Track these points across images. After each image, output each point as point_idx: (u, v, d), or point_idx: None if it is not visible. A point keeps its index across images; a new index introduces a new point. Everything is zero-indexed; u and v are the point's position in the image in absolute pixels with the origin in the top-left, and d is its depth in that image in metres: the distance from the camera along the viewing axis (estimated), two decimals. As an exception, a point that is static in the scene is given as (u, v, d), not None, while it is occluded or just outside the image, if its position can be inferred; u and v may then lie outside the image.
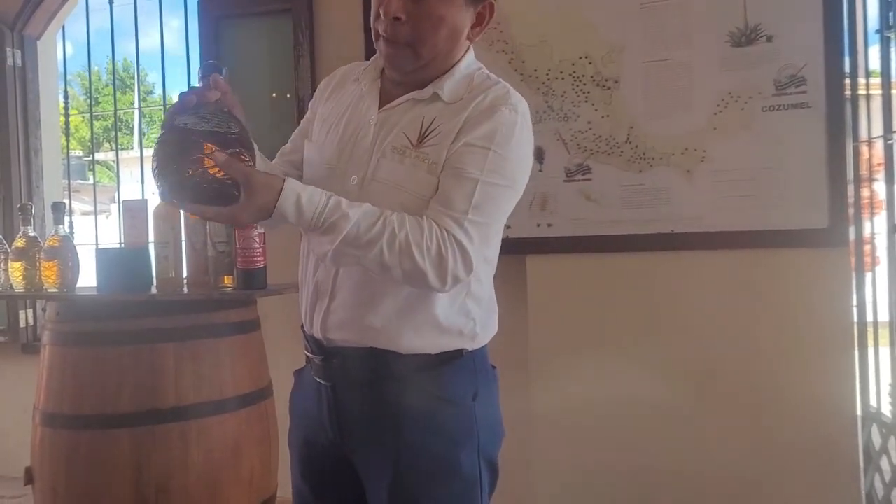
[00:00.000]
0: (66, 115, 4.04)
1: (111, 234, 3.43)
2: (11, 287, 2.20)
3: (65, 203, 2.29)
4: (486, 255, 1.24)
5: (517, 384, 2.28)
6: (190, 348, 1.92)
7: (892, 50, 2.33)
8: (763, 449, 2.25)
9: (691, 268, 2.32)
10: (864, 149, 2.41)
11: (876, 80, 2.44)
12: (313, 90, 1.64)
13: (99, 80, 15.57)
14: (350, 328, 1.26)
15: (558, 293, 2.44)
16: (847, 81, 2.25)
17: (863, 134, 2.38)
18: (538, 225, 2.44)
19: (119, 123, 4.12)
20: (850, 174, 2.27)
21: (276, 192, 1.11)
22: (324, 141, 1.33)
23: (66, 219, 2.41)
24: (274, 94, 2.95)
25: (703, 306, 2.30)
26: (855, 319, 2.32)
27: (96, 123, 3.96)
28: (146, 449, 1.86)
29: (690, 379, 2.29)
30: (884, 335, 2.39)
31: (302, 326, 1.36)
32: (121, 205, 2.40)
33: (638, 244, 2.34)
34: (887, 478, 2.28)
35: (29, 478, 2.01)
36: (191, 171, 1.08)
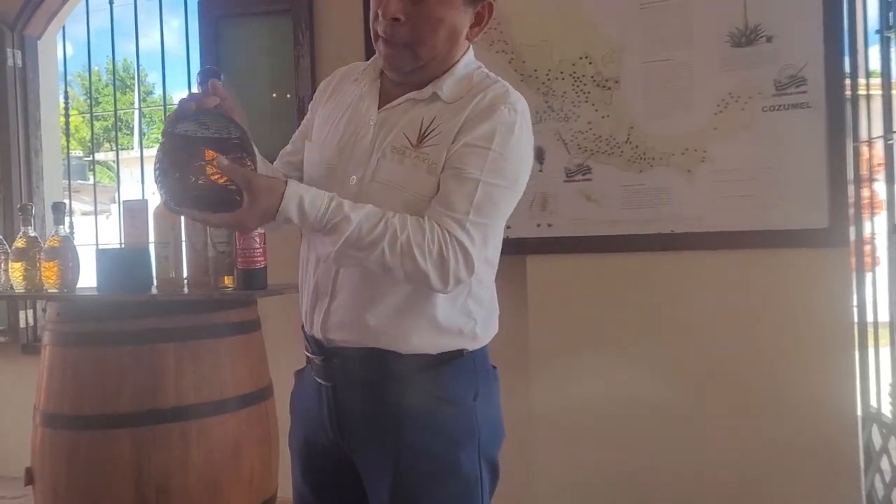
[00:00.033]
0: (67, 116, 4.05)
1: (111, 234, 3.43)
2: (12, 287, 2.20)
3: (65, 203, 2.29)
4: (486, 255, 1.24)
5: (517, 384, 2.28)
6: (190, 348, 1.92)
7: (893, 50, 2.33)
8: (763, 449, 2.25)
9: (691, 268, 2.32)
10: (865, 149, 2.41)
11: (876, 81, 2.44)
12: (313, 90, 1.64)
13: (99, 80, 15.57)
14: (350, 328, 1.26)
15: (558, 293, 2.44)
16: (847, 81, 2.26)
17: (863, 134, 2.38)
18: (538, 225, 2.44)
19: (119, 124, 4.12)
20: (851, 174, 2.27)
21: (280, 195, 1.12)
22: (324, 141, 1.33)
23: (67, 219, 2.41)
24: (274, 95, 2.95)
25: (703, 306, 2.30)
26: (855, 319, 2.32)
27: (96, 124, 3.96)
28: (146, 449, 1.86)
29: (691, 379, 2.29)
30: (884, 335, 2.39)
31: (302, 327, 1.37)
32: (121, 205, 2.40)
33: (638, 244, 2.34)
34: (888, 478, 2.28)
35: (29, 478, 2.01)
36: (193, 179, 1.08)
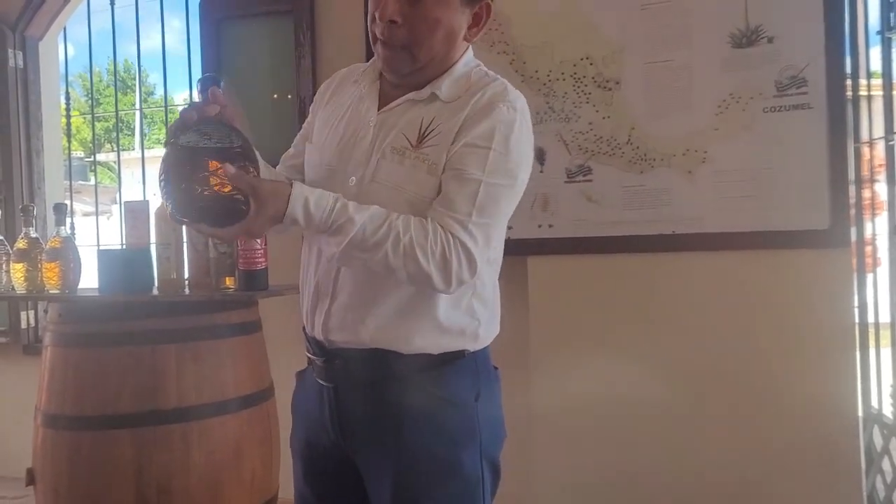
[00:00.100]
0: (68, 117, 4.05)
1: (113, 235, 3.43)
2: (13, 288, 2.21)
3: (66, 204, 2.29)
4: (488, 255, 1.24)
5: (518, 385, 2.28)
6: (191, 349, 1.92)
7: (893, 51, 2.33)
8: (764, 450, 2.25)
9: (692, 269, 2.32)
10: (866, 150, 2.41)
11: (877, 81, 2.44)
12: (314, 91, 1.64)
13: (100, 81, 15.58)
14: (351, 329, 1.26)
15: (559, 294, 2.44)
16: (848, 82, 2.26)
17: (864, 135, 2.39)
18: (539, 226, 2.44)
19: (120, 124, 4.12)
20: (852, 175, 2.27)
21: (286, 199, 1.12)
22: (324, 143, 1.34)
23: (68, 220, 2.41)
24: (275, 95, 2.95)
25: (704, 307, 2.30)
26: (856, 320, 2.32)
27: (98, 124, 3.96)
28: (147, 450, 1.86)
29: (691, 380, 2.29)
30: (885, 336, 2.39)
31: (303, 328, 1.37)
32: (122, 206, 2.40)
33: (639, 245, 2.34)
34: (889, 479, 2.28)
35: (30, 478, 2.01)
36: (198, 191, 1.09)
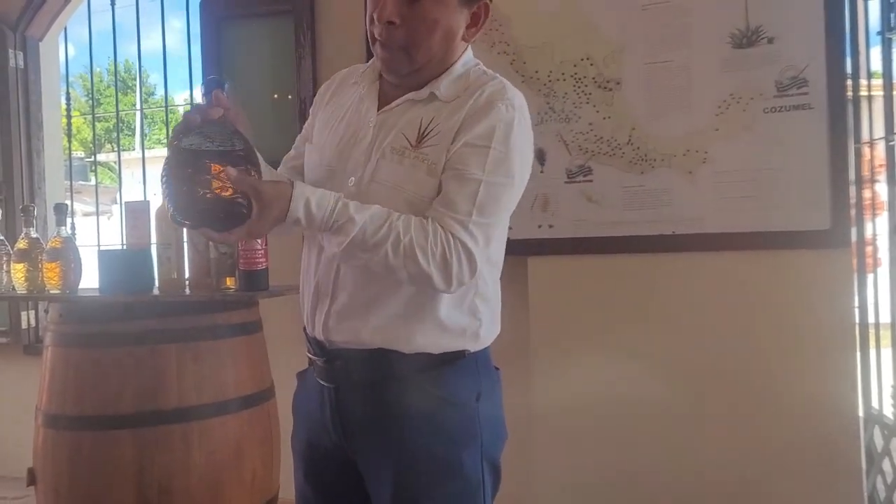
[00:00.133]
0: (69, 117, 4.05)
1: (113, 235, 3.43)
2: (14, 288, 2.21)
3: (67, 204, 2.29)
4: (489, 254, 1.24)
5: (518, 385, 2.28)
6: (192, 349, 1.92)
7: (894, 51, 2.33)
8: (764, 450, 2.25)
9: (693, 269, 2.32)
10: (866, 150, 2.41)
11: (877, 82, 2.45)
12: (315, 91, 1.65)
13: (101, 81, 15.59)
14: (351, 330, 1.26)
15: (559, 294, 2.44)
16: (849, 83, 2.26)
17: (864, 135, 2.39)
18: (539, 226, 2.44)
19: (121, 125, 4.12)
20: (852, 175, 2.27)
21: (287, 200, 1.13)
22: (324, 144, 1.34)
23: (68, 220, 2.41)
24: (275, 95, 2.95)
25: (704, 308, 2.30)
26: (857, 321, 2.32)
27: (98, 125, 3.97)
28: (148, 450, 1.86)
29: (692, 380, 2.29)
30: (885, 336, 2.39)
31: (304, 328, 1.37)
32: (123, 206, 2.40)
33: (639, 245, 2.34)
34: (889, 479, 2.28)
35: (31, 479, 2.01)
36: (200, 193, 1.10)
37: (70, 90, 4.13)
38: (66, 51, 3.66)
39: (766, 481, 2.24)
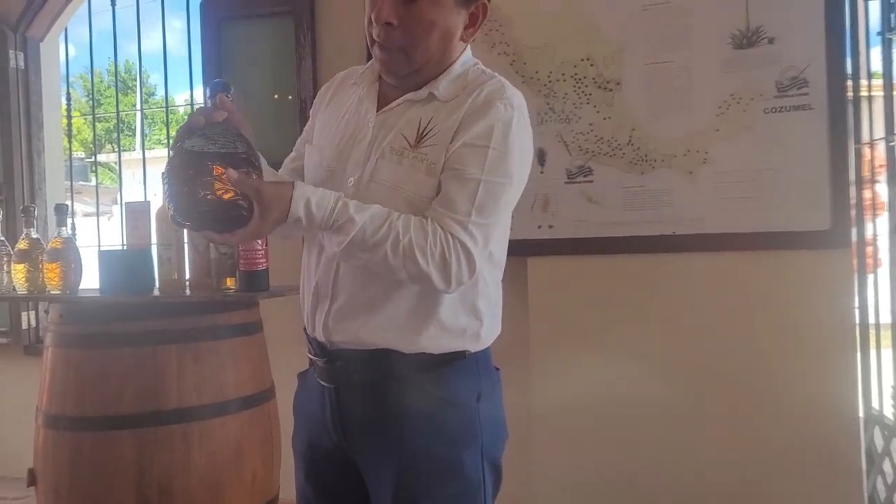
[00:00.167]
0: (69, 117, 4.05)
1: (114, 235, 3.43)
2: (14, 289, 2.21)
3: (67, 205, 2.29)
4: (490, 254, 1.25)
5: (518, 385, 2.28)
6: (192, 350, 1.92)
7: (894, 51, 2.33)
8: (765, 451, 2.25)
9: (693, 269, 2.32)
10: (866, 150, 2.41)
11: (878, 82, 2.45)
12: (315, 92, 1.65)
13: (101, 81, 15.60)
14: (351, 330, 1.26)
15: (559, 295, 2.44)
16: (849, 83, 2.26)
17: (864, 136, 2.39)
18: (539, 227, 2.44)
19: (121, 125, 4.12)
20: (852, 176, 2.27)
21: (288, 200, 1.14)
22: (324, 144, 1.35)
23: (69, 220, 2.41)
24: (276, 96, 2.95)
25: (704, 308, 2.30)
26: (857, 321, 2.32)
27: (98, 125, 3.97)
28: (149, 451, 1.86)
29: (692, 381, 2.29)
30: (886, 337, 2.39)
31: (304, 329, 1.37)
32: (123, 206, 2.40)
33: (639, 246, 2.34)
34: (890, 480, 2.28)
35: (32, 479, 2.01)
36: (201, 194, 1.10)
37: (70, 91, 4.14)
38: (66, 51, 3.66)
39: (767, 482, 2.24)
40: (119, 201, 3.66)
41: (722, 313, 2.28)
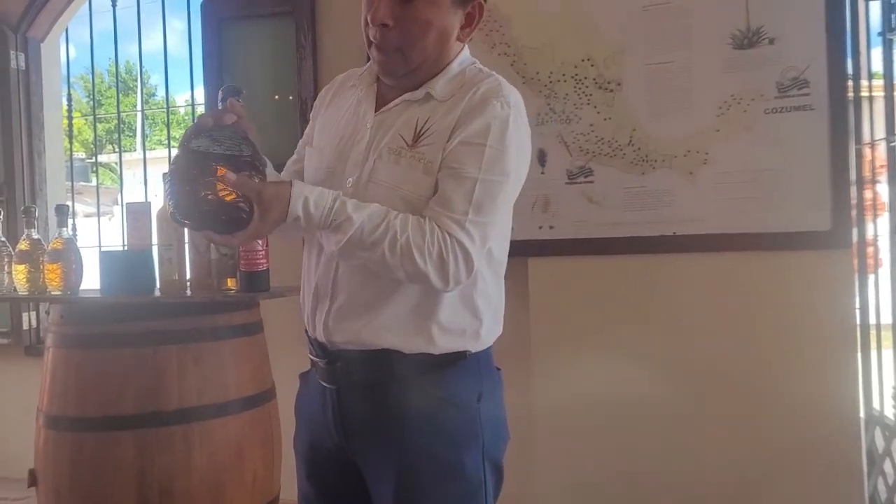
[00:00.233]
0: (70, 118, 4.05)
1: (114, 236, 3.44)
2: (15, 289, 2.21)
3: (68, 205, 2.29)
4: (489, 253, 1.25)
5: (518, 385, 2.28)
6: (193, 351, 1.92)
7: (895, 52, 2.33)
8: (765, 451, 2.24)
9: (694, 270, 2.32)
10: (867, 151, 2.41)
11: (878, 83, 2.44)
12: (315, 92, 1.65)
13: (102, 82, 15.61)
14: (351, 330, 1.26)
15: (560, 295, 2.44)
16: (850, 84, 2.25)
17: (865, 136, 2.39)
18: (540, 227, 2.44)
19: (122, 125, 4.12)
20: (853, 176, 2.27)
21: (287, 200, 1.14)
22: (323, 145, 1.35)
23: (70, 221, 2.41)
24: (276, 96, 2.95)
25: (705, 308, 2.30)
26: (858, 322, 2.32)
27: (99, 126, 3.97)
28: (149, 451, 1.86)
29: (692, 381, 2.29)
30: (887, 337, 2.39)
31: (305, 329, 1.37)
32: (124, 207, 2.40)
33: (640, 246, 2.34)
34: (890, 481, 2.28)
35: (32, 480, 2.01)
36: (202, 194, 1.11)
37: (71, 91, 4.13)
38: (67, 52, 3.67)
39: (767, 482, 2.24)
40: (120, 202, 3.66)
41: (722, 314, 2.28)
